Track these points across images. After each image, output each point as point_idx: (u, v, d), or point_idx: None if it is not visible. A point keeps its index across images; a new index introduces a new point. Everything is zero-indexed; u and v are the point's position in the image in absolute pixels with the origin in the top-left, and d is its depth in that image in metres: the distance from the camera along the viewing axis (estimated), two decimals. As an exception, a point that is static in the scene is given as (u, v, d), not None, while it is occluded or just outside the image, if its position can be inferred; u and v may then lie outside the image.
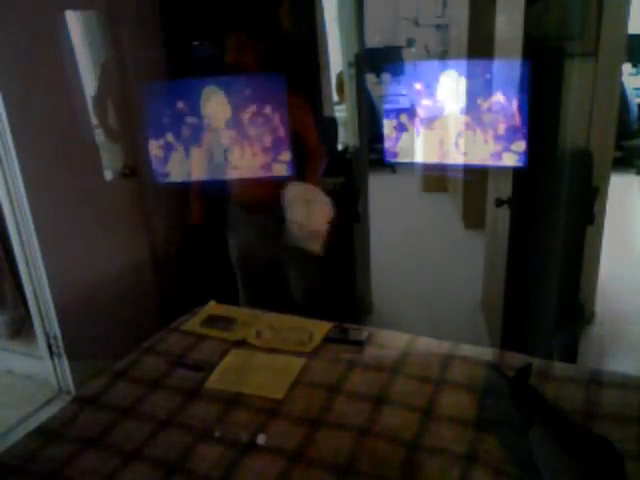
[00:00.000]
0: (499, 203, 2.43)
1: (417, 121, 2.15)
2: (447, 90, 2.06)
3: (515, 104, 1.95)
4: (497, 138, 2.00)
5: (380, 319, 3.41)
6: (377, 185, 3.72)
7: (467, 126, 2.04)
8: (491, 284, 3.11)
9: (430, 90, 2.10)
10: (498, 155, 2.01)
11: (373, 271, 3.53)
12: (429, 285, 3.82)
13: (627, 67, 6.01)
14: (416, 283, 3.87)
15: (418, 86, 2.12)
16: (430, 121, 2.13)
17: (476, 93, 2.02)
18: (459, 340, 2.02)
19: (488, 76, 2.06)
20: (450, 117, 2.08)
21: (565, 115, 2.12)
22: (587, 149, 2.18)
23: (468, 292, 3.59)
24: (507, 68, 2.19)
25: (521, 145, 1.97)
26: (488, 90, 2.02)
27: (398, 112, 2.22)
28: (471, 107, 2.04)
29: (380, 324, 3.27)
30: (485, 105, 2.01)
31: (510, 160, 2.01)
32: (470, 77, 2.05)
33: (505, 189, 2.44)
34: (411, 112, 2.16)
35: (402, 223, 4.92)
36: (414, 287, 3.82)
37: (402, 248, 4.42)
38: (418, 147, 2.18)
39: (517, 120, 1.96)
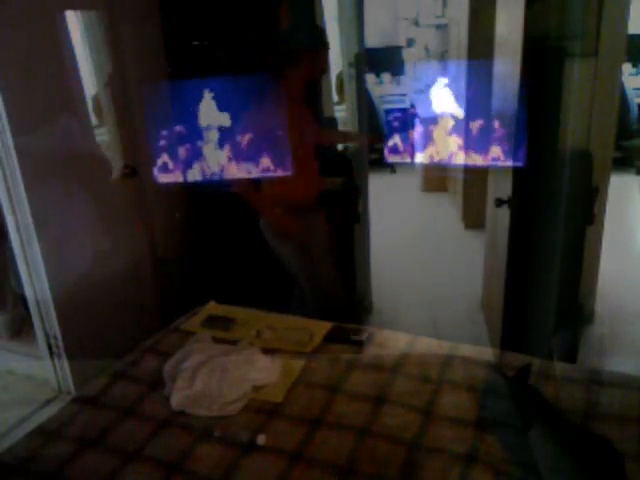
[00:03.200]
0: (499, 203, 2.43)
1: (416, 120, 2.15)
2: (444, 89, 2.07)
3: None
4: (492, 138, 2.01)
5: (380, 319, 3.41)
6: (377, 185, 3.71)
7: (463, 125, 2.05)
8: (491, 284, 3.11)
9: (428, 89, 2.10)
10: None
11: (373, 271, 3.52)
12: (429, 285, 3.82)
13: (627, 67, 6.00)
14: (416, 283, 3.87)
15: (416, 86, 2.12)
16: (428, 120, 2.13)
17: (474, 93, 2.03)
18: (459, 340, 2.02)
19: (487, 76, 2.06)
20: (447, 115, 2.09)
21: (565, 115, 2.12)
22: (587, 149, 2.18)
23: (468, 292, 3.59)
24: (507, 68, 2.19)
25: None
26: (487, 90, 2.02)
27: (397, 112, 2.22)
28: (469, 106, 2.04)
29: (380, 324, 3.26)
30: (482, 105, 2.02)
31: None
32: (469, 77, 2.05)
33: (505, 189, 2.44)
34: (410, 111, 2.16)
35: (402, 223, 4.92)
36: (414, 287, 3.81)
37: (402, 248, 4.41)
38: (417, 146, 2.18)
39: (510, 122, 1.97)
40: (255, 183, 2.32)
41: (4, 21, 2.24)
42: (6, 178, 2.41)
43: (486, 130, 2.04)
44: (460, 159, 2.12)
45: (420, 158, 2.18)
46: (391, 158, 2.21)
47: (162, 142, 2.18)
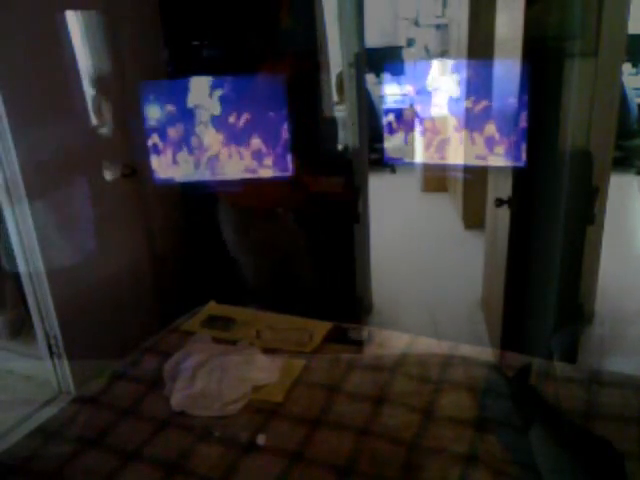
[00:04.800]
0: (499, 203, 2.43)
1: (416, 121, 2.15)
2: (445, 90, 2.07)
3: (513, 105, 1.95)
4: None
5: (380, 319, 3.41)
6: (377, 185, 3.71)
7: (464, 126, 2.05)
8: (491, 284, 3.11)
9: (428, 90, 2.10)
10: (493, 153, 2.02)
11: (373, 271, 3.52)
12: (429, 285, 3.82)
13: (627, 67, 6.00)
14: (416, 283, 3.87)
15: (417, 86, 2.12)
16: (428, 120, 2.13)
17: (474, 93, 2.03)
18: (459, 339, 2.02)
19: (487, 76, 2.06)
20: (448, 116, 2.09)
21: (565, 115, 2.12)
22: (587, 149, 2.18)
23: (468, 292, 3.59)
24: (507, 68, 2.19)
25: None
26: (487, 91, 2.02)
27: (397, 112, 2.22)
28: (468, 107, 2.04)
29: (380, 324, 3.27)
30: (482, 105, 2.02)
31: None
32: (469, 77, 2.05)
33: (505, 189, 2.44)
34: (410, 112, 2.16)
35: (402, 223, 4.92)
36: (414, 287, 3.81)
37: (402, 248, 4.41)
38: (417, 146, 2.18)
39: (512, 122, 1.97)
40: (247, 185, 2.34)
41: (4, 21, 2.24)
42: (6, 178, 2.41)
43: (486, 130, 2.04)
44: (460, 158, 2.12)
45: (420, 158, 2.19)
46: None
47: (161, 141, 2.18)
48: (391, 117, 2.21)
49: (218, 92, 2.14)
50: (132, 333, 2.30)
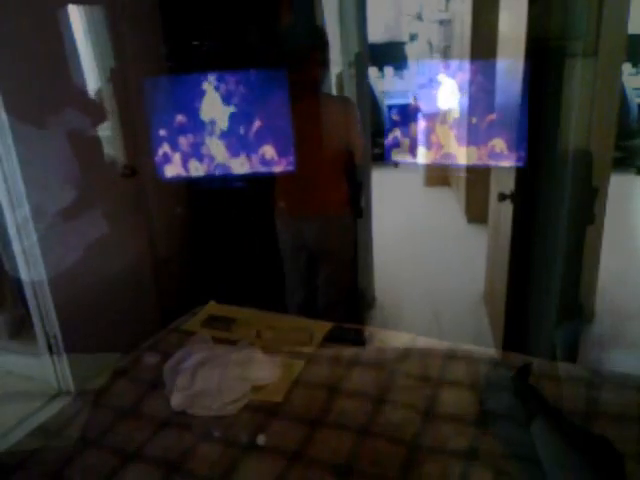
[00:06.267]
0: (502, 198, 2.43)
1: (419, 116, 2.15)
2: (446, 87, 2.06)
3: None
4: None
5: (382, 313, 3.41)
6: (379, 180, 3.70)
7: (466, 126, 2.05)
8: (494, 278, 3.11)
9: (430, 87, 2.10)
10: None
11: (376, 266, 3.53)
12: (432, 279, 3.82)
13: (627, 67, 5.98)
14: (419, 277, 3.87)
15: (419, 82, 2.12)
16: (430, 116, 2.13)
17: (477, 89, 2.02)
18: (461, 334, 2.02)
19: (490, 75, 2.06)
20: (448, 113, 2.09)
21: (565, 115, 2.12)
22: (587, 149, 2.17)
23: (471, 286, 3.59)
24: (509, 65, 2.19)
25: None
26: (489, 91, 2.02)
27: (399, 107, 2.22)
28: (471, 103, 2.04)
29: (382, 319, 3.27)
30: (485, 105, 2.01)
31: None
32: (471, 75, 2.05)
33: (508, 184, 2.44)
34: (412, 107, 2.16)
35: (405, 217, 4.92)
36: (417, 281, 3.81)
37: (405, 242, 4.41)
38: (419, 142, 2.18)
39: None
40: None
41: (4, 20, 2.23)
42: (6, 177, 2.41)
43: (488, 127, 2.04)
44: (462, 156, 2.11)
45: (422, 156, 2.18)
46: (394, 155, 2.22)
47: (163, 139, 2.18)
48: (395, 118, 2.20)
49: (221, 91, 2.14)
50: (132, 333, 2.30)
